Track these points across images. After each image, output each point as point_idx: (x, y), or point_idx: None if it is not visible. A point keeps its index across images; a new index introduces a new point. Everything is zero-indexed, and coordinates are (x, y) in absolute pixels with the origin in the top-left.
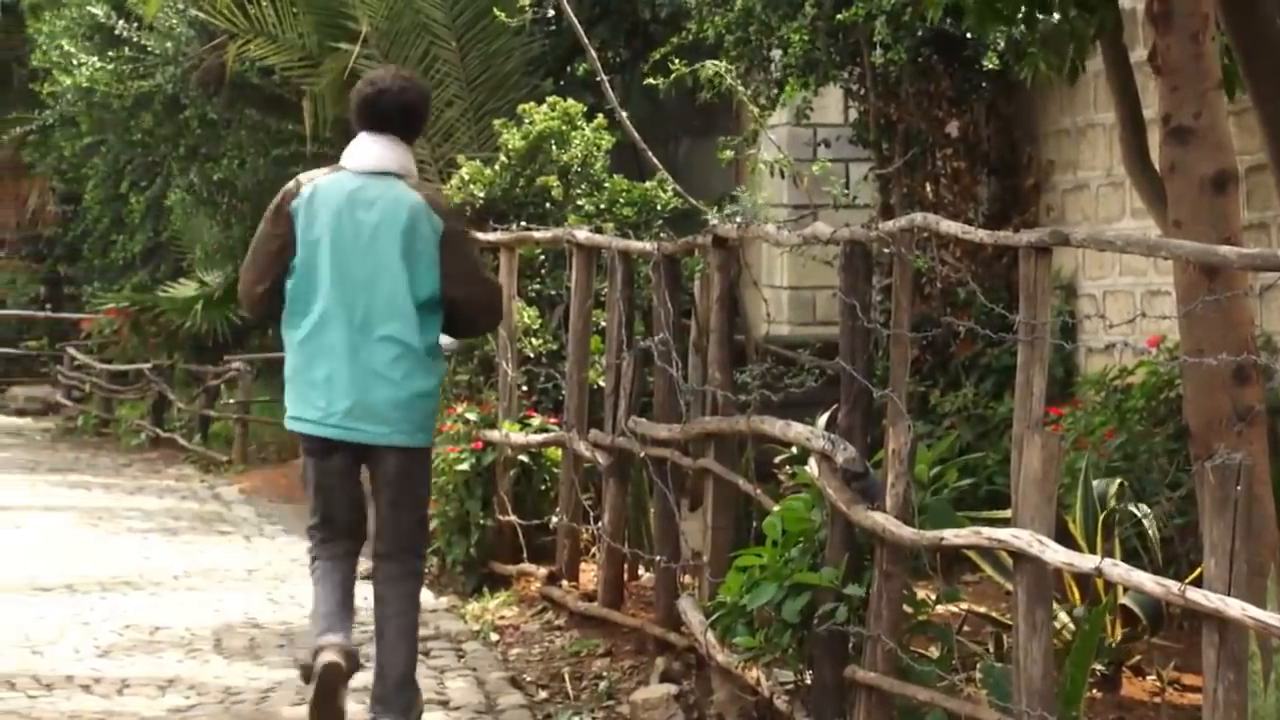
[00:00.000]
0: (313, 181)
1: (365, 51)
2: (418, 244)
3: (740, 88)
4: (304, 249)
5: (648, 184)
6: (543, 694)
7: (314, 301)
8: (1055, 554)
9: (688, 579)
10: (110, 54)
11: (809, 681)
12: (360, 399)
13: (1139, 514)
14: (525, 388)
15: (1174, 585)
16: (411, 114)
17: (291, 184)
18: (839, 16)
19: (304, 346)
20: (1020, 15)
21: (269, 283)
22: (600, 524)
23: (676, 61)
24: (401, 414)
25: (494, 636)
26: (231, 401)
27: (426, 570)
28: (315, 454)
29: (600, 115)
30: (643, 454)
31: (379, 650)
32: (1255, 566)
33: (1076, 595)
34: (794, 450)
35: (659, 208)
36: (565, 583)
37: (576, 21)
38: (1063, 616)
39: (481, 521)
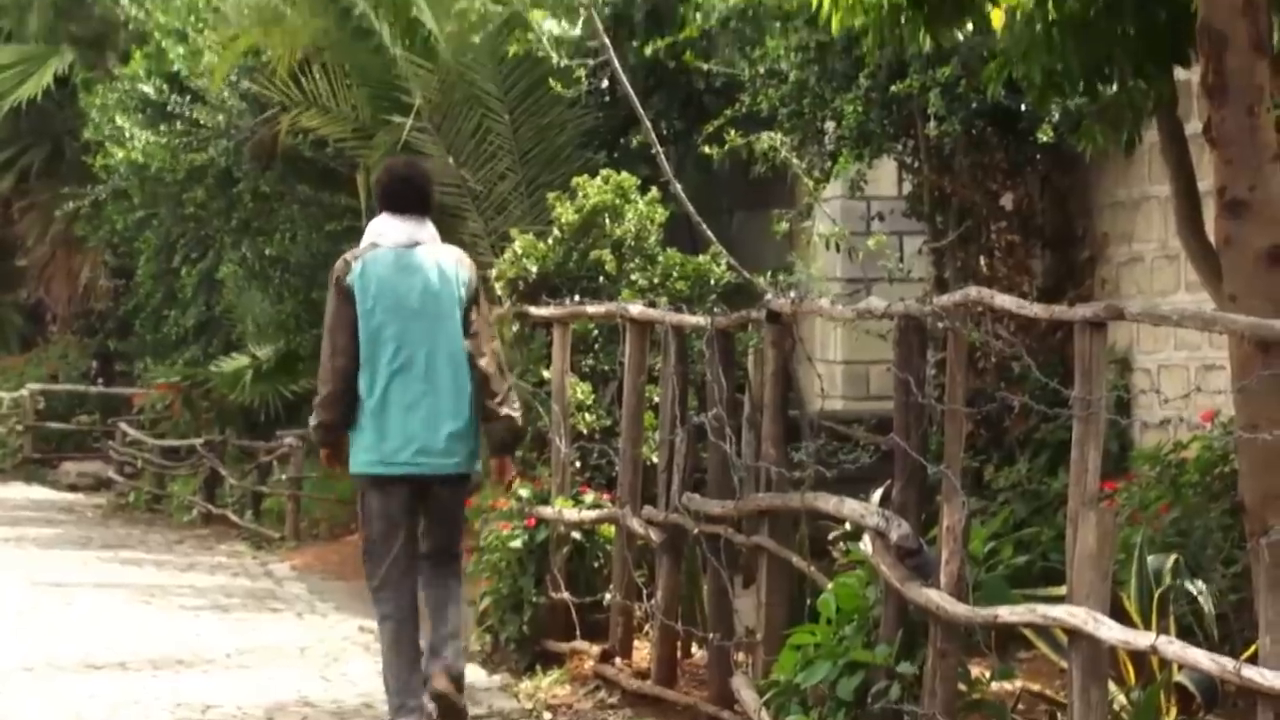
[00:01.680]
0: (359, 258)
1: (418, 124)
2: (459, 296)
3: (794, 160)
4: (364, 317)
5: (701, 258)
6: None
7: (380, 363)
8: (1110, 631)
9: (741, 657)
10: (162, 128)
11: None
12: (430, 439)
13: (1194, 590)
14: (578, 464)
15: (1229, 663)
16: (426, 195)
17: (340, 264)
18: (893, 88)
19: (377, 402)
20: (1080, 88)
21: (345, 356)
22: (653, 601)
23: (731, 133)
24: (461, 446)
25: (547, 716)
26: (283, 478)
27: (480, 648)
28: (382, 491)
29: (654, 188)
30: (696, 530)
31: (433, 615)
32: None
33: (1131, 673)
34: (848, 527)
35: (713, 282)
36: (618, 660)
37: (632, 92)
38: (1118, 695)
39: (534, 599)
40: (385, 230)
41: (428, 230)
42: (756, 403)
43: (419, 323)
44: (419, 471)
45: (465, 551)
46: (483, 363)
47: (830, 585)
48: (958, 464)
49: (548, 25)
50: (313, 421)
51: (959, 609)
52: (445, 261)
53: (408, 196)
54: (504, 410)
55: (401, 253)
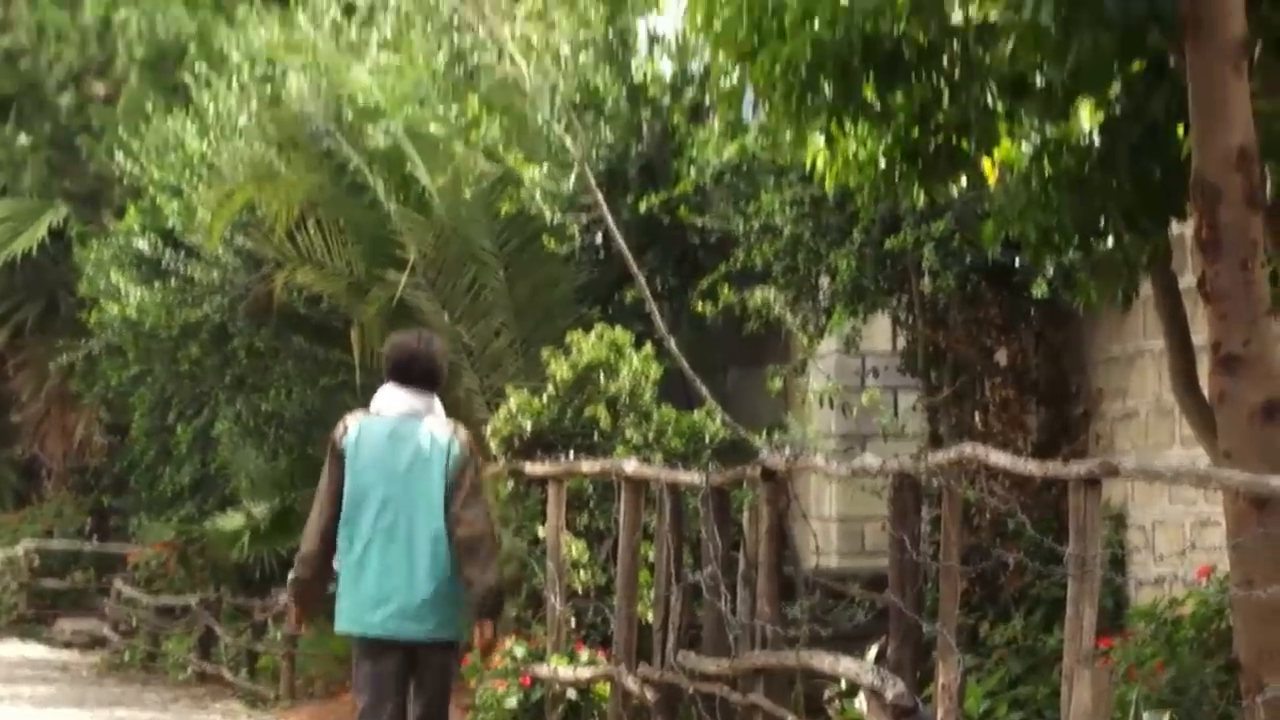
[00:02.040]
0: (357, 423)
1: (413, 280)
2: (447, 467)
3: (789, 316)
4: (352, 478)
5: (696, 414)
6: None
7: (363, 523)
8: None
9: None
10: (157, 284)
11: None
12: (406, 602)
13: None
14: (574, 621)
15: None
16: (432, 371)
17: (339, 426)
18: (887, 244)
19: (356, 560)
20: (1074, 243)
21: (329, 517)
22: None
23: (725, 289)
24: (439, 611)
25: None
26: (278, 636)
27: None
28: (370, 658)
29: (649, 343)
30: (691, 689)
31: None
32: None
33: None
34: (843, 684)
35: (708, 438)
36: None
37: (625, 248)
38: None
39: None
40: (387, 400)
41: (430, 403)
42: (751, 560)
43: (405, 488)
44: (396, 636)
45: (461, 709)
46: (463, 531)
47: None
48: (953, 621)
49: (539, 184)
50: (290, 576)
51: None
52: (439, 432)
53: (413, 371)
54: (484, 576)
55: (398, 422)
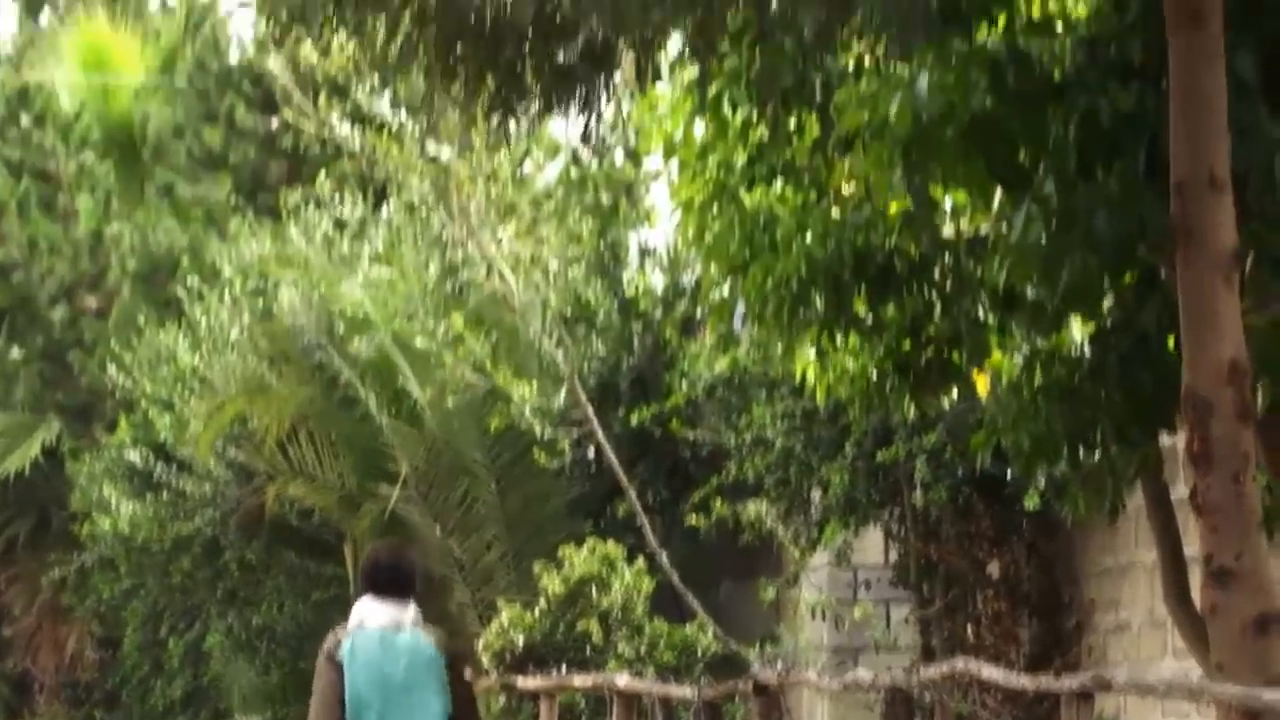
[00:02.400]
0: (349, 635)
1: (405, 493)
2: (441, 685)
3: (781, 529)
4: (351, 688)
5: (688, 627)
6: None
7: None
8: None
9: None
10: (149, 497)
11: None
12: None
13: None
14: None
15: None
16: (406, 580)
17: (331, 638)
18: (879, 456)
19: None
20: (1064, 454)
21: None
22: None
23: (717, 502)
24: None
25: None
26: None
27: None
28: None
29: (641, 557)
30: None
31: None
32: None
33: None
34: None
35: (700, 652)
36: None
37: (616, 462)
38: None
39: None
40: (369, 612)
41: (409, 612)
42: None
43: (402, 700)
44: None
45: None
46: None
47: None
48: None
49: (529, 400)
50: None
51: None
52: (429, 643)
53: (391, 582)
54: None
55: (385, 634)
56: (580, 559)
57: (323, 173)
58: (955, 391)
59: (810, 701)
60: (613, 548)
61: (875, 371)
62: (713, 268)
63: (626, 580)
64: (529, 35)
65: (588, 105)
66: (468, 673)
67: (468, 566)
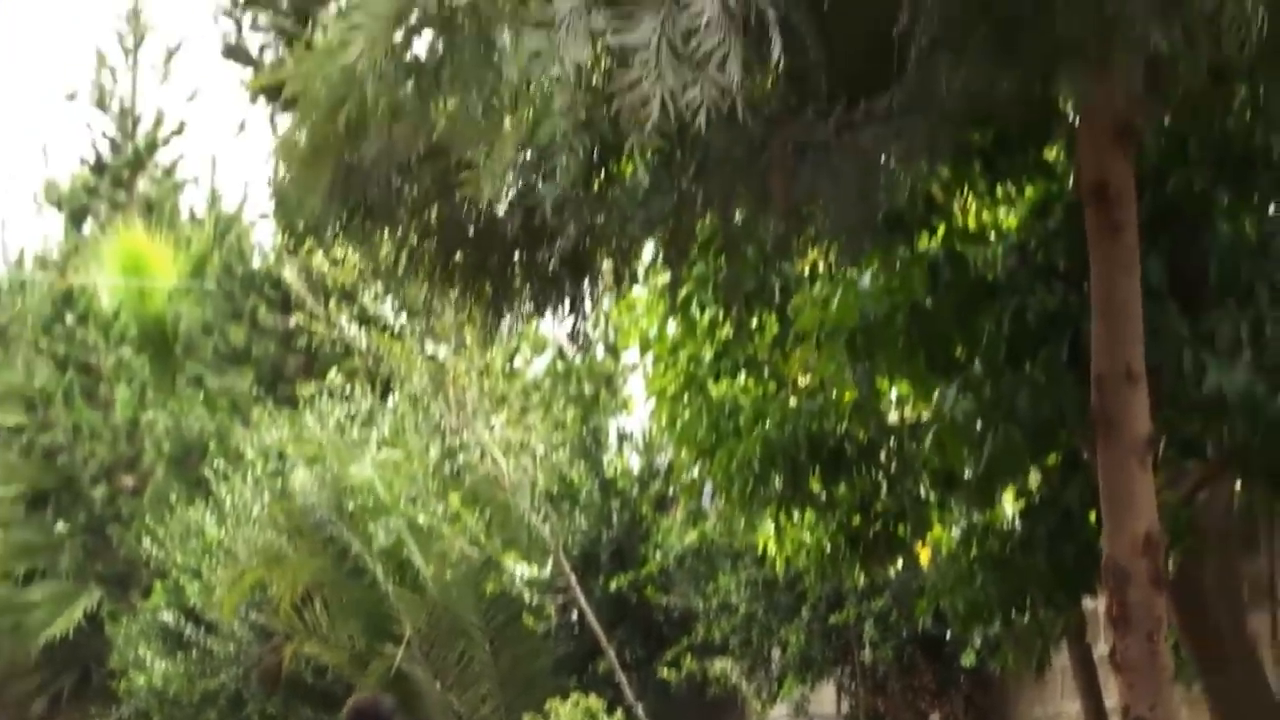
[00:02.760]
0: None
1: (409, 653)
2: None
3: (744, 684)
4: None
5: None
6: None
7: None
8: None
9: None
10: (179, 655)
11: None
12: None
13: None
14: None
15: None
16: None
17: None
18: (832, 619)
19: None
20: (998, 616)
21: None
22: None
23: (688, 659)
24: None
25: None
26: None
27: None
28: None
29: (620, 709)
30: None
31: None
32: None
33: None
34: None
35: None
36: None
37: (597, 625)
38: None
39: None
40: None
41: None
42: None
43: None
44: None
45: None
46: None
47: None
48: None
49: (519, 570)
50: None
51: None
52: None
53: None
54: None
55: None
56: (565, 712)
57: (334, 368)
58: (900, 561)
59: None
60: (594, 701)
61: (828, 543)
62: (683, 451)
63: None
64: (517, 245)
65: (572, 307)
66: None
67: (465, 718)
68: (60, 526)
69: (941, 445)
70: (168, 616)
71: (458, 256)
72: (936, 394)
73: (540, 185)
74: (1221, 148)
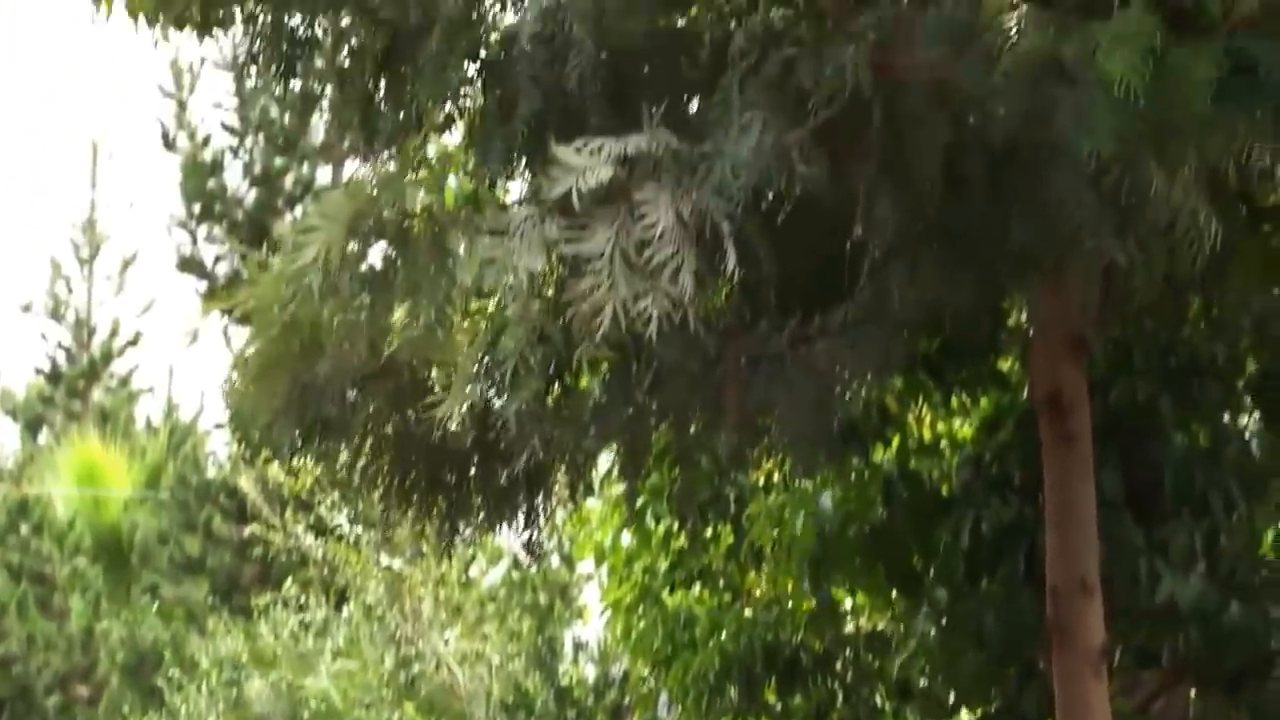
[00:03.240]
0: None
1: None
2: None
3: None
4: None
5: None
6: None
7: None
8: None
9: None
10: None
11: None
12: None
13: None
14: None
15: None
16: None
17: None
18: None
19: None
20: None
21: None
22: None
23: None
24: None
25: None
26: None
27: None
28: None
29: None
30: None
31: None
32: None
33: None
34: None
35: None
36: None
37: None
38: None
39: None
40: None
41: None
42: None
43: None
44: None
45: None
46: None
47: None
48: None
49: None
50: None
51: None
52: None
53: None
54: None
55: None
56: None
57: (290, 577)
58: None
59: None
60: None
61: None
62: (639, 661)
63: None
64: (472, 461)
65: (527, 519)
66: None
67: None
68: None
69: (902, 660)
70: None
71: (411, 472)
72: (893, 605)
73: (496, 400)
74: (1166, 357)
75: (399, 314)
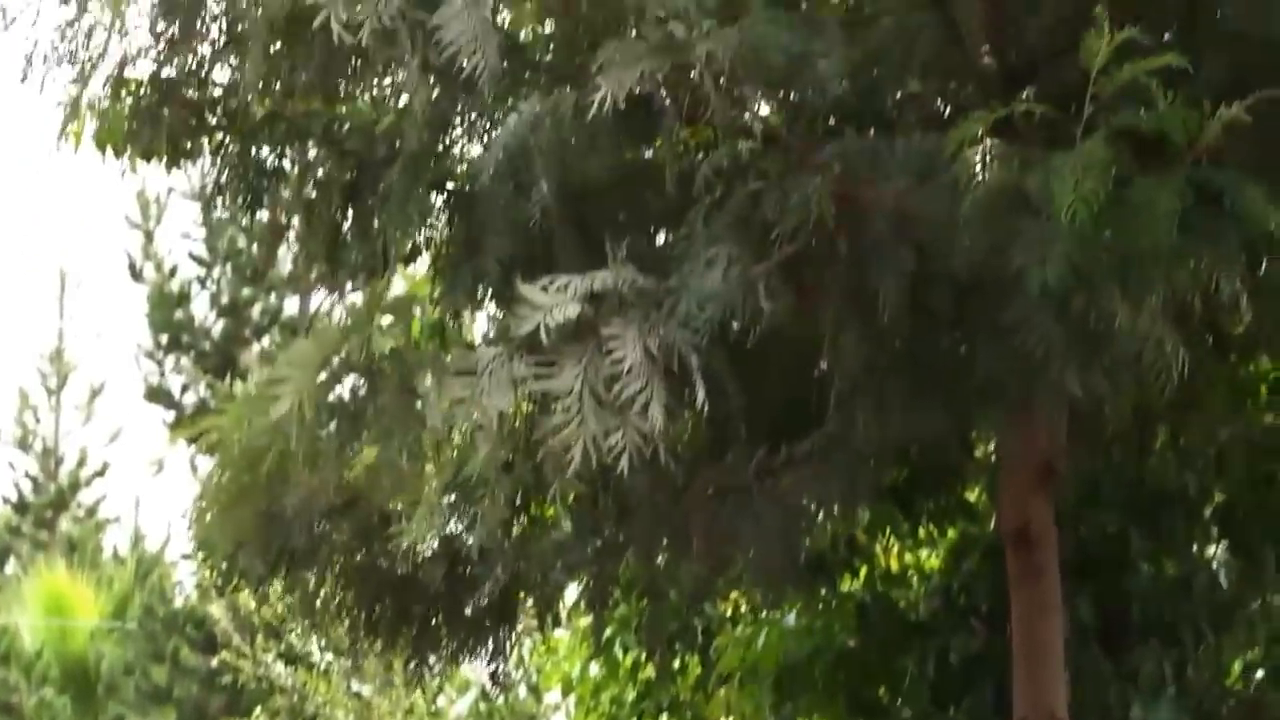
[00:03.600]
0: None
1: None
2: None
3: None
4: None
5: None
6: None
7: None
8: None
9: None
10: None
11: None
12: None
13: None
14: None
15: None
16: None
17: None
18: None
19: None
20: None
21: None
22: None
23: None
24: None
25: None
26: None
27: None
28: None
29: None
30: None
31: None
32: None
33: None
34: None
35: None
36: None
37: None
38: None
39: None
40: None
41: None
42: None
43: None
44: None
45: None
46: None
47: None
48: None
49: None
50: None
51: None
52: None
53: None
54: None
55: None
56: None
57: (259, 706)
58: None
59: None
60: None
61: None
62: None
63: None
64: (440, 594)
65: (494, 651)
66: None
67: None
68: None
69: None
70: None
71: (379, 607)
72: None
73: (463, 533)
74: (1135, 487)
75: (368, 453)
